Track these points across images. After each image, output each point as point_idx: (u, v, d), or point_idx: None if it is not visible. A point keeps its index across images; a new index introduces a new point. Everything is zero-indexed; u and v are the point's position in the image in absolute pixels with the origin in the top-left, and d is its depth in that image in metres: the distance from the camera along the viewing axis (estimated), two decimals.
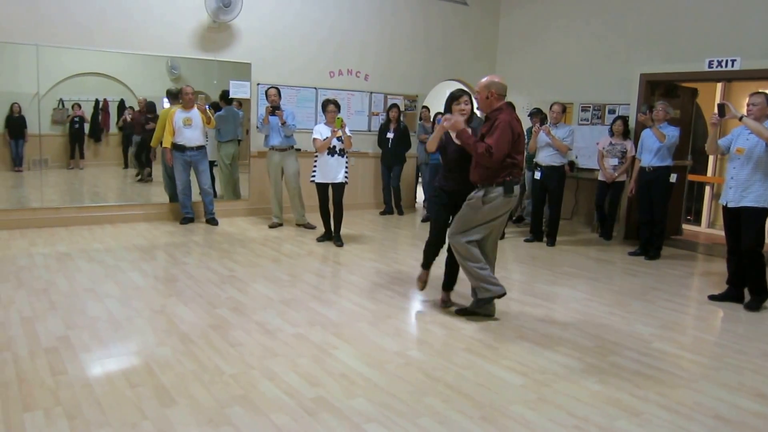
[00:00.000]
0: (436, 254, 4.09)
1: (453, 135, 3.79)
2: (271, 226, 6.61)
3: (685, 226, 7.61)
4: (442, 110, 7.74)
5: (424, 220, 7.55)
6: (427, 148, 4.02)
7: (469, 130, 3.72)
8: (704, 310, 4.45)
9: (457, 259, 3.84)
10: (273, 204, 6.66)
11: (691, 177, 7.53)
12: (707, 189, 7.95)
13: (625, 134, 6.57)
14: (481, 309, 3.88)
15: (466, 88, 9.27)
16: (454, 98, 3.85)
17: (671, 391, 2.93)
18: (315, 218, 6.49)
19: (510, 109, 3.68)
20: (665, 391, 2.92)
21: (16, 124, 6.55)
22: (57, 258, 4.90)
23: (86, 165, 7.45)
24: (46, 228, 6.03)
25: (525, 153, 3.98)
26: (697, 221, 8.01)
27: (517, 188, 3.68)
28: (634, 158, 6.37)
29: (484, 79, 3.74)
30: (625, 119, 6.64)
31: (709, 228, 7.86)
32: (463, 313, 3.93)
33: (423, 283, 4.17)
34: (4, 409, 2.46)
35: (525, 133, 3.96)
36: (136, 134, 7.47)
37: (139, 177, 7.70)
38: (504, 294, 3.78)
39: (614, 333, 3.74)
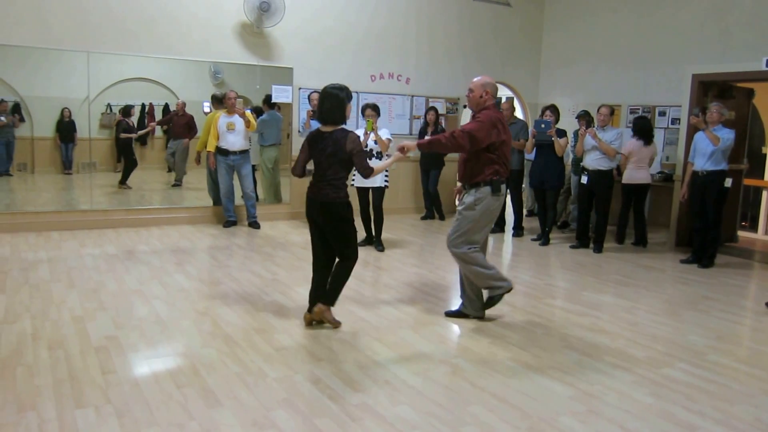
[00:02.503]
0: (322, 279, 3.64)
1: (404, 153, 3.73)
2: None
3: (740, 233, 7.28)
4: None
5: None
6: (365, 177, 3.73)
7: (414, 144, 3.73)
8: (762, 321, 4.23)
9: (460, 267, 3.83)
10: None
11: (747, 181, 7.21)
12: (765, 194, 7.59)
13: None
14: (473, 311, 3.89)
15: (511, 92, 9.16)
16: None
17: (728, 406, 2.80)
18: (356, 222, 6.47)
19: (495, 108, 3.75)
20: (722, 406, 2.80)
21: (67, 128, 6.83)
22: (106, 259, 5.05)
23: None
24: (95, 230, 6.23)
25: (515, 155, 3.95)
26: (754, 228, 7.66)
27: (503, 187, 3.72)
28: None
29: (478, 78, 3.79)
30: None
31: (766, 235, 7.50)
32: (456, 315, 3.90)
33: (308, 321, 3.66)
34: (58, 406, 2.52)
35: (505, 132, 3.83)
36: (176, 138, 7.61)
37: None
38: (511, 288, 3.81)
39: (666, 344, 3.60)
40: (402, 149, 3.68)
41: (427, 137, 3.75)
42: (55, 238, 5.80)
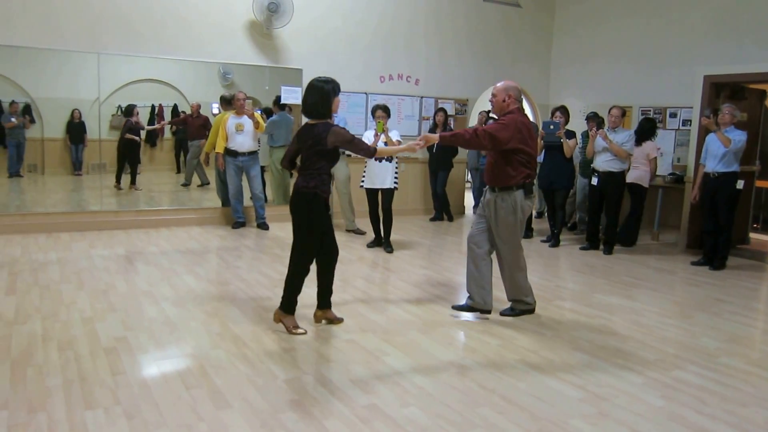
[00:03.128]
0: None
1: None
2: None
3: (752, 235, 7.21)
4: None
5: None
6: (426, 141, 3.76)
7: (437, 137, 3.78)
8: None
9: (506, 270, 3.96)
10: None
11: (759, 183, 7.13)
12: None
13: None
14: (480, 304, 3.98)
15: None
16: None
17: (741, 409, 2.77)
18: (365, 224, 6.49)
19: (522, 113, 3.82)
20: (734, 409, 2.77)
21: (77, 129, 6.87)
22: (115, 260, 5.08)
23: (142, 170, 7.72)
24: (105, 230, 6.27)
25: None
26: (765, 230, 7.58)
27: (535, 188, 3.86)
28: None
29: (501, 84, 3.85)
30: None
31: None
32: (463, 309, 4.02)
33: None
34: (68, 407, 2.53)
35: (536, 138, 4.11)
36: (192, 139, 7.63)
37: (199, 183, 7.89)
38: (533, 310, 4.05)
39: (677, 346, 3.56)
40: (425, 139, 3.73)
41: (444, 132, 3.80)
42: (65, 239, 5.84)
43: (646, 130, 6.43)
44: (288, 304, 3.51)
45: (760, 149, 6.96)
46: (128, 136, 7.32)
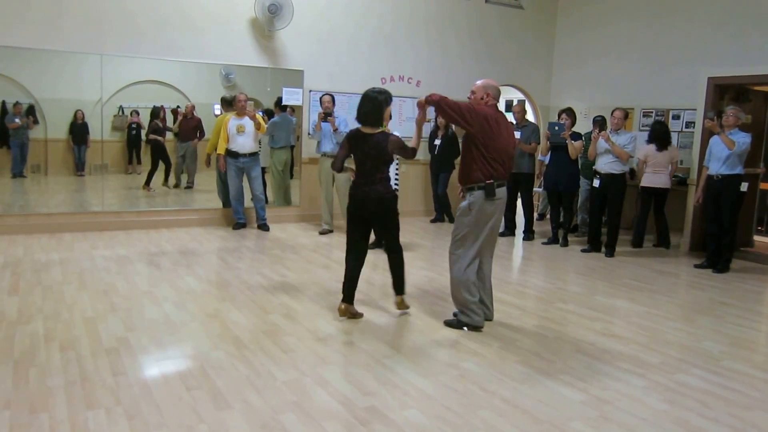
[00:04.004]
0: (356, 279, 3.85)
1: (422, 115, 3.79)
2: (321, 233, 6.64)
3: (756, 238, 7.17)
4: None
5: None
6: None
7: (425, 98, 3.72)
8: None
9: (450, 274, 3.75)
10: (323, 210, 6.69)
11: (763, 185, 7.09)
12: None
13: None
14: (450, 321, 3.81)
15: (522, 96, 9.12)
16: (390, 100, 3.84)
17: (744, 413, 2.76)
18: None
19: (496, 110, 3.68)
20: (738, 413, 2.76)
21: (80, 130, 6.88)
22: (117, 261, 5.08)
23: (143, 170, 7.72)
24: (106, 231, 6.27)
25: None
26: None
27: (500, 191, 3.60)
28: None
29: (480, 82, 3.76)
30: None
31: None
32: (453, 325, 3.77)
33: (343, 314, 3.86)
34: (69, 407, 2.53)
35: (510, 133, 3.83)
36: (183, 140, 7.64)
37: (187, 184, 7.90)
38: (480, 328, 3.68)
39: (680, 349, 3.55)
40: (420, 104, 3.70)
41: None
42: (67, 239, 5.85)
43: (663, 134, 6.40)
44: (404, 286, 3.98)
45: (765, 152, 6.93)
46: (152, 136, 7.36)
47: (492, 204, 3.60)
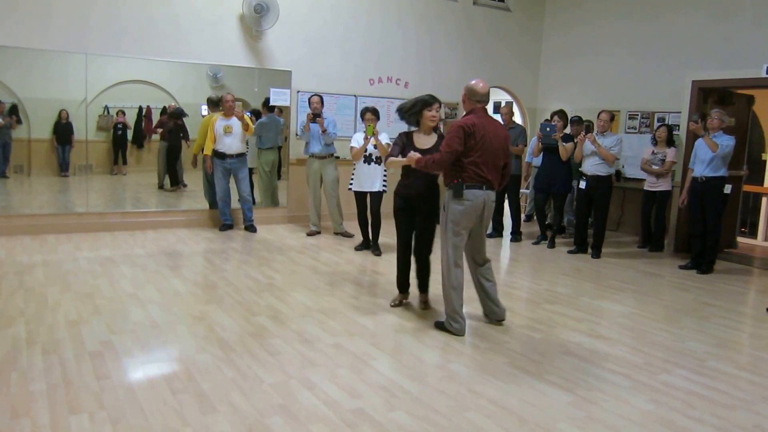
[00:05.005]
0: (408, 272, 4.21)
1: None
2: (309, 234, 6.62)
3: (739, 239, 7.27)
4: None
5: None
6: (386, 166, 4.13)
7: (428, 139, 3.98)
8: (762, 327, 4.21)
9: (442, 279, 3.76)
10: (311, 212, 6.67)
11: (746, 187, 7.20)
12: (764, 200, 7.58)
13: (669, 142, 6.39)
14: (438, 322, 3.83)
15: (510, 97, 9.12)
16: (426, 104, 3.90)
17: (728, 413, 2.79)
18: (353, 226, 6.47)
19: (481, 113, 3.63)
20: (721, 413, 2.79)
21: (64, 130, 6.78)
22: (101, 263, 5.02)
23: (129, 171, 7.65)
24: (91, 233, 6.19)
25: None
26: (753, 234, 7.63)
27: (470, 193, 3.53)
28: (673, 164, 6.21)
29: (470, 82, 3.72)
30: (669, 127, 6.44)
31: (765, 241, 7.48)
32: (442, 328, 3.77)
33: (396, 302, 4.22)
34: (52, 411, 2.49)
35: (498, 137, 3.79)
36: (164, 141, 7.59)
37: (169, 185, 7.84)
38: (460, 334, 3.64)
39: (665, 350, 3.58)
40: (411, 160, 3.77)
41: (417, 155, 3.75)
42: (50, 241, 5.77)
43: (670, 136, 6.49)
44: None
45: (748, 154, 7.03)
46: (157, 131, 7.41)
47: (461, 204, 3.55)
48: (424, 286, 4.17)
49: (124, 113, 7.31)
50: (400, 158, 3.87)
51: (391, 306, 4.17)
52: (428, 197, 4.01)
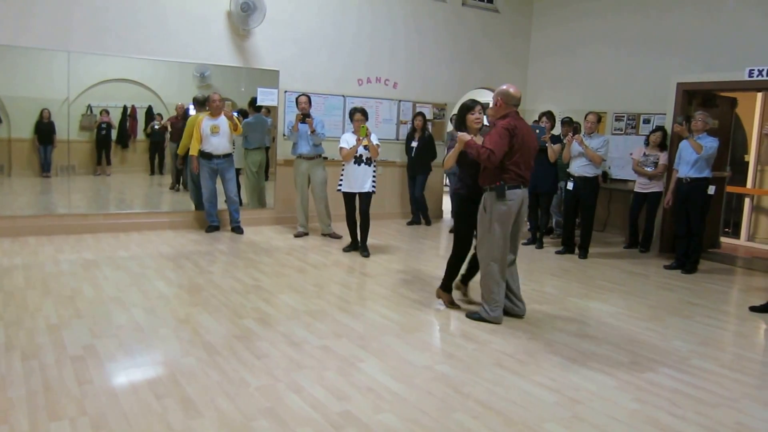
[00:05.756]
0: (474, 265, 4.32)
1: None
2: (297, 236, 6.58)
3: (723, 239, 7.36)
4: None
5: (451, 231, 7.43)
6: (444, 165, 4.25)
7: (475, 139, 3.94)
8: (745, 326, 4.27)
9: (482, 274, 3.99)
10: (299, 213, 6.63)
11: (729, 188, 7.29)
12: (747, 201, 7.68)
13: (662, 146, 6.47)
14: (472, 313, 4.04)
15: (485, 99, 9.19)
16: (468, 108, 4.11)
17: (711, 411, 2.82)
18: (341, 228, 6.45)
19: (516, 117, 3.84)
20: (705, 411, 2.82)
21: (46, 129, 6.66)
22: (83, 265, 4.94)
23: (113, 171, 7.54)
24: (73, 234, 6.10)
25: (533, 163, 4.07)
26: (736, 234, 7.73)
27: (511, 193, 3.76)
28: (666, 168, 6.27)
29: (501, 87, 3.93)
30: (665, 131, 6.52)
31: (748, 241, 7.58)
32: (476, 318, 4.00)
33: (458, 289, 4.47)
34: (31, 418, 2.44)
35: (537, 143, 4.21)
36: (174, 141, 7.49)
37: (177, 187, 7.73)
38: (497, 323, 3.90)
39: (650, 349, 3.61)
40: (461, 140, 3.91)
41: (468, 136, 3.92)
42: (31, 243, 5.66)
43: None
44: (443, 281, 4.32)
45: (731, 156, 7.12)
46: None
47: (504, 205, 3.77)
48: (468, 279, 4.41)
49: (108, 113, 7.19)
50: (452, 152, 4.03)
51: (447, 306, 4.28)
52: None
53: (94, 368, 2.95)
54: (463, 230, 4.14)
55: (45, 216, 6.19)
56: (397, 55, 7.94)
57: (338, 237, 6.51)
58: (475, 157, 3.77)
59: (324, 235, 6.63)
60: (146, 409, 2.56)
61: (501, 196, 3.74)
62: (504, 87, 3.88)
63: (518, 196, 3.80)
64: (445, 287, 4.28)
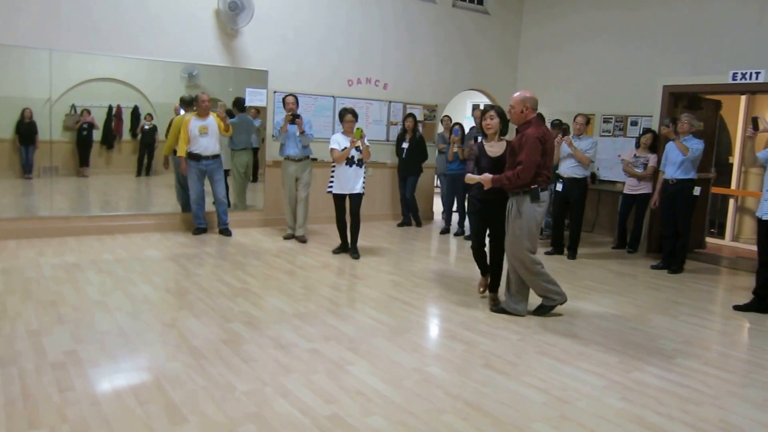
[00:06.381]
0: (482, 259, 4.46)
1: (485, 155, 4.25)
2: (286, 238, 6.52)
3: (708, 240, 7.44)
4: (460, 121, 7.72)
5: (442, 233, 7.44)
6: (466, 180, 4.23)
7: (493, 143, 4.22)
8: (729, 325, 4.32)
9: (521, 275, 4.10)
10: (287, 215, 6.56)
11: (714, 189, 7.37)
12: (731, 202, 7.77)
13: (652, 147, 6.51)
14: (513, 309, 4.19)
15: (488, 100, 9.25)
16: (482, 114, 4.31)
17: (696, 409, 2.85)
18: (331, 229, 6.41)
19: (539, 121, 3.98)
20: (690, 409, 2.84)
21: (28, 129, 6.52)
22: (66, 269, 4.85)
23: (95, 173, 7.40)
24: (55, 237, 6.00)
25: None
26: (721, 234, 7.82)
27: (544, 194, 3.95)
28: (656, 170, 6.30)
29: (517, 94, 4.03)
30: (655, 133, 6.57)
31: (733, 241, 7.67)
32: (500, 311, 4.21)
33: (481, 287, 4.62)
34: (9, 427, 2.38)
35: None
36: None
37: None
38: (565, 300, 4.19)
39: (637, 348, 3.63)
40: (483, 182, 4.07)
41: (489, 176, 4.04)
42: (12, 246, 5.56)
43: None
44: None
45: (716, 157, 7.20)
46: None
47: (540, 206, 3.95)
48: (496, 285, 4.45)
49: (89, 112, 7.06)
50: (480, 177, 4.08)
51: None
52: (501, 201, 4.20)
53: (75, 375, 2.89)
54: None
55: (26, 219, 6.08)
56: (387, 55, 7.92)
57: (304, 241, 6.39)
58: (507, 187, 3.93)
59: (296, 237, 6.45)
60: (129, 415, 2.51)
61: (536, 198, 3.90)
62: (527, 94, 3.97)
63: (547, 196, 4.01)
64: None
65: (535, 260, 4.02)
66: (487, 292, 4.55)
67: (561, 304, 4.18)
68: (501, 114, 4.21)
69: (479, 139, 4.78)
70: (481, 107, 7.78)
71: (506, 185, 3.92)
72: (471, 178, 4.14)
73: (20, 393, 2.67)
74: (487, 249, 4.44)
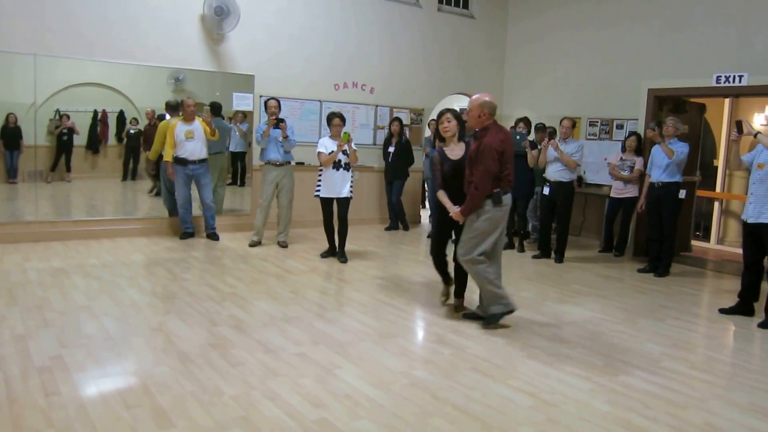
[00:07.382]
0: (444, 266, 4.33)
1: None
2: (252, 245, 6.30)
3: (694, 243, 7.52)
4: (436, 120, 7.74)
5: (429, 236, 7.45)
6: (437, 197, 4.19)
7: (452, 146, 4.12)
8: (715, 328, 4.36)
9: (471, 277, 4.02)
10: (258, 220, 6.31)
11: (699, 192, 7.45)
12: (716, 205, 7.87)
13: (638, 150, 6.59)
14: (489, 317, 4.04)
15: (461, 105, 9.25)
16: (438, 117, 4.22)
17: (682, 412, 2.87)
18: (319, 233, 6.40)
19: (497, 127, 3.89)
20: (676, 412, 2.86)
21: (12, 134, 6.46)
22: (52, 274, 4.80)
23: (81, 177, 7.34)
24: (41, 242, 5.93)
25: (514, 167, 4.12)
26: (706, 237, 7.91)
27: (506, 197, 3.89)
28: (642, 173, 6.37)
29: (476, 96, 3.93)
30: (639, 136, 6.65)
31: (718, 244, 7.77)
32: (472, 317, 4.12)
33: (444, 296, 4.46)
34: None
35: (514, 145, 4.21)
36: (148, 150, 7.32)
37: (155, 191, 7.56)
38: (514, 310, 4.01)
39: (624, 352, 3.66)
40: (456, 217, 3.99)
41: (457, 208, 3.98)
42: None
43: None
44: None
45: (700, 160, 7.29)
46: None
47: (500, 210, 3.88)
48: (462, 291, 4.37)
49: (68, 117, 6.97)
50: (449, 207, 4.03)
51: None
52: None
53: (61, 379, 2.86)
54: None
55: (11, 223, 6.01)
56: (373, 60, 7.95)
57: (285, 247, 6.33)
58: (476, 205, 3.85)
59: (279, 242, 6.38)
60: (116, 420, 2.49)
61: (498, 202, 3.85)
62: (485, 98, 3.87)
63: (509, 199, 3.96)
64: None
65: (485, 263, 3.90)
66: (452, 299, 4.40)
67: (509, 313, 4.00)
68: (457, 117, 4.13)
69: (436, 146, 4.73)
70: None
71: (475, 206, 3.84)
72: (445, 204, 4.06)
73: (6, 398, 2.64)
74: (449, 256, 4.30)
